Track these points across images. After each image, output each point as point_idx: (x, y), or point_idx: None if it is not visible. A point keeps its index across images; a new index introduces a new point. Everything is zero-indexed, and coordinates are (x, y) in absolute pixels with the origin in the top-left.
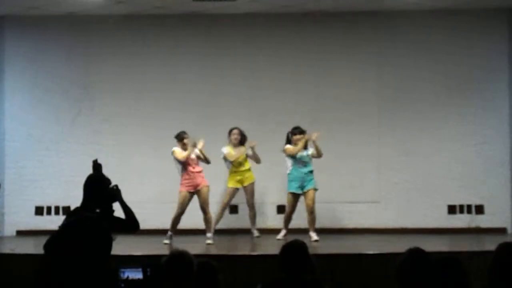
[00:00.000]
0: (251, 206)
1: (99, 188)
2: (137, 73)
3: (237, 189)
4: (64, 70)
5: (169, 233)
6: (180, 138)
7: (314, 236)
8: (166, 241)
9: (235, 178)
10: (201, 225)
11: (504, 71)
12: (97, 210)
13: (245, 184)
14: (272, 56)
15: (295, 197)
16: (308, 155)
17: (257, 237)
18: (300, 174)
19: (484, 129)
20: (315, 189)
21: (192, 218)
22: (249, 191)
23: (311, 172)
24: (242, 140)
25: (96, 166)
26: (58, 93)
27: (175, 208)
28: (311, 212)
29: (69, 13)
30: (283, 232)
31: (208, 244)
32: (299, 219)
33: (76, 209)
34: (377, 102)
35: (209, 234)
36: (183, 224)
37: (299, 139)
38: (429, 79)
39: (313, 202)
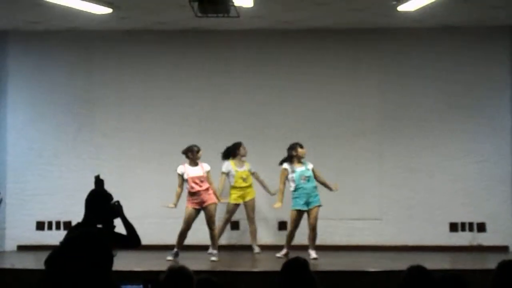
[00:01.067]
0: (252, 221)
1: (101, 203)
2: (139, 88)
3: (238, 205)
4: (66, 85)
5: (175, 250)
6: (188, 152)
7: (313, 254)
8: (170, 258)
9: (237, 194)
10: (203, 241)
11: (506, 89)
12: (99, 226)
13: (246, 199)
14: (274, 72)
15: (300, 214)
16: (308, 169)
17: (258, 253)
18: (305, 190)
19: (486, 146)
20: (320, 206)
21: (195, 234)
22: (250, 207)
23: (315, 187)
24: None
25: (98, 181)
26: (60, 107)
27: (176, 223)
28: (313, 229)
29: (72, 28)
30: (284, 251)
31: (213, 261)
32: (298, 235)
33: (78, 224)
34: (378, 119)
35: (214, 251)
36: (186, 240)
37: (305, 153)
38: (431, 96)
39: (316, 220)
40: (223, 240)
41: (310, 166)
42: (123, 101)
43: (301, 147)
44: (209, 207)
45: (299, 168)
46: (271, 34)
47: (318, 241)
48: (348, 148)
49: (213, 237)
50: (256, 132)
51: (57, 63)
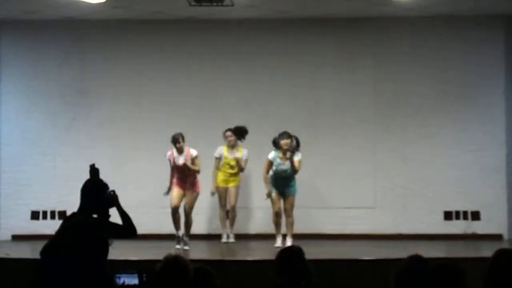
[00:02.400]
0: (232, 208)
1: (96, 193)
2: (133, 77)
3: (225, 188)
4: (60, 75)
5: (176, 235)
6: (173, 141)
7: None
8: (178, 246)
9: (220, 178)
10: (197, 230)
11: (500, 78)
12: (94, 216)
13: (229, 185)
14: (269, 61)
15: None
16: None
17: (228, 242)
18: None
19: (480, 135)
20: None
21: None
22: (231, 193)
23: (290, 179)
24: (238, 139)
25: (93, 170)
26: (54, 97)
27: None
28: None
29: (65, 17)
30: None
31: (185, 250)
32: (304, 224)
33: (73, 214)
34: (373, 107)
35: (186, 238)
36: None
37: (286, 144)
38: (425, 85)
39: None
40: (217, 230)
41: (296, 158)
42: (117, 90)
43: (287, 137)
44: (187, 194)
45: (280, 160)
46: (265, 24)
47: (313, 230)
48: (343, 137)
49: (186, 224)
50: (251, 121)
51: (51, 52)
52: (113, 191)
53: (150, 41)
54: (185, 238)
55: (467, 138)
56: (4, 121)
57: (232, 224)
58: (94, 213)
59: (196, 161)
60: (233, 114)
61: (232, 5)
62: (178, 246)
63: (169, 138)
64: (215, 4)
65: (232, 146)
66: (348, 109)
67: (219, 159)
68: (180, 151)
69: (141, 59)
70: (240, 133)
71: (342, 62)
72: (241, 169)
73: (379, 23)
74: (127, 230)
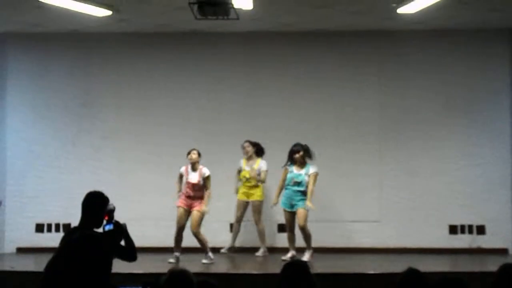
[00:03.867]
0: (256, 222)
1: (98, 207)
2: (138, 90)
3: (246, 202)
4: (66, 87)
5: (175, 253)
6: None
7: (306, 255)
8: (171, 260)
9: (241, 190)
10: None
11: (505, 92)
12: (96, 230)
13: (250, 199)
14: (274, 74)
15: (286, 213)
16: (302, 174)
17: (260, 256)
18: (290, 193)
19: (485, 149)
20: (304, 208)
21: (192, 236)
22: (253, 207)
23: (301, 192)
24: (257, 152)
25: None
26: (60, 109)
27: (174, 225)
28: (301, 230)
29: (71, 30)
30: (289, 253)
31: (203, 263)
32: (300, 238)
33: (74, 228)
34: (378, 121)
35: (208, 255)
36: (183, 242)
37: (298, 158)
38: (430, 99)
39: (302, 221)
40: (222, 243)
41: (311, 171)
42: (122, 103)
43: (296, 152)
44: (193, 213)
45: (296, 171)
46: (271, 37)
47: (317, 244)
48: (348, 151)
49: (199, 241)
50: (256, 134)
51: (57, 65)
52: (124, 224)
53: (155, 54)
54: (208, 254)
55: (473, 152)
56: (9, 133)
57: (261, 238)
58: (96, 227)
59: (208, 182)
60: (237, 126)
61: (238, 18)
62: (171, 260)
63: (173, 150)
64: (220, 17)
65: (249, 158)
66: (353, 122)
67: (239, 172)
68: (193, 167)
69: (146, 72)
70: (258, 147)
71: (347, 76)
72: (260, 181)
73: (384, 36)
74: (130, 253)
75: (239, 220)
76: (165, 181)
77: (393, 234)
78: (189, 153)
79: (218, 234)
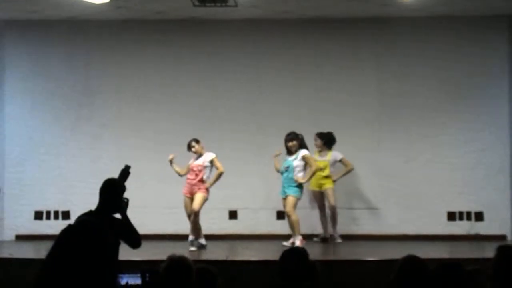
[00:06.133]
0: (329, 209)
1: (114, 193)
2: (137, 78)
3: (317, 191)
4: (64, 74)
5: (190, 238)
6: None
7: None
8: (192, 248)
9: (313, 181)
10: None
11: (504, 78)
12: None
13: (322, 188)
14: (273, 61)
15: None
16: (291, 160)
17: (339, 242)
18: (282, 180)
19: (484, 135)
20: (293, 196)
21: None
22: (328, 196)
23: (291, 179)
24: (326, 144)
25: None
26: (58, 97)
27: (174, 212)
28: (288, 217)
29: (69, 17)
30: (291, 240)
31: (191, 250)
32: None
33: (90, 212)
34: (377, 108)
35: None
36: (182, 230)
37: (291, 146)
38: (429, 85)
39: (289, 207)
40: (221, 230)
41: (300, 155)
42: (121, 90)
43: (289, 140)
44: (195, 196)
45: (288, 158)
46: (268, 24)
47: (317, 230)
48: (346, 138)
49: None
50: (255, 121)
51: (55, 52)
52: (127, 199)
53: (153, 41)
54: (200, 240)
55: (471, 139)
56: (8, 121)
57: (333, 224)
58: (112, 213)
59: (216, 163)
60: (236, 114)
61: (236, 5)
62: (193, 248)
63: (172, 138)
64: (218, 4)
65: (320, 150)
66: (351, 109)
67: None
68: (198, 155)
69: (144, 59)
70: (327, 138)
71: (346, 63)
72: (348, 171)
73: (383, 23)
74: (136, 239)
75: (321, 208)
76: (165, 169)
77: (391, 221)
78: (189, 147)
79: (217, 222)
